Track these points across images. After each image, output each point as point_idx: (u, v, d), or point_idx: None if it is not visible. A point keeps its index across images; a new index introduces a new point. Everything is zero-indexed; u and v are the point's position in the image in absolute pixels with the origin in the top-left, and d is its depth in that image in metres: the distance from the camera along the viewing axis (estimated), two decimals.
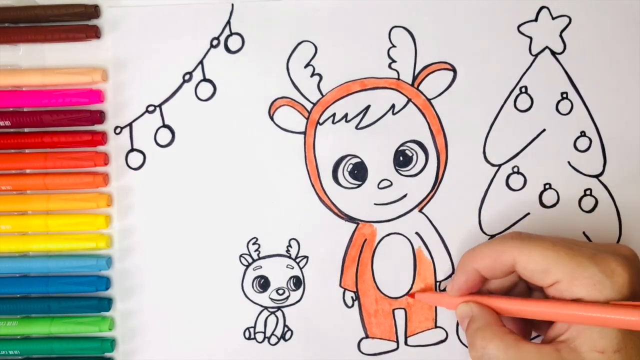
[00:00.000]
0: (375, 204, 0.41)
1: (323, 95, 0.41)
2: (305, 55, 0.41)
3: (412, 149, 0.41)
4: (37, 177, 0.41)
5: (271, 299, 0.42)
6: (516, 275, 0.37)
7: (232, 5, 0.41)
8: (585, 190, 0.41)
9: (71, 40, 0.41)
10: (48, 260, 0.42)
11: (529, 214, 0.41)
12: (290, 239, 0.42)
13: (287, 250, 0.42)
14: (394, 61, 0.41)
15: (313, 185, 0.41)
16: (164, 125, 0.41)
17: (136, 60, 0.41)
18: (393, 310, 0.42)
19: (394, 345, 0.42)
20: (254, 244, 0.42)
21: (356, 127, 0.41)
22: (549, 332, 0.36)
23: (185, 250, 0.42)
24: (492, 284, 0.38)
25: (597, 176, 0.41)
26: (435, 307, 0.42)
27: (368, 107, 0.41)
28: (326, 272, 0.42)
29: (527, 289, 0.39)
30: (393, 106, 0.41)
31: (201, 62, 0.41)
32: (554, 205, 0.41)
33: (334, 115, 0.41)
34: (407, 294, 0.41)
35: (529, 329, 0.39)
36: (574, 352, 0.33)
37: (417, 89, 0.41)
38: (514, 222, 0.41)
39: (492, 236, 0.41)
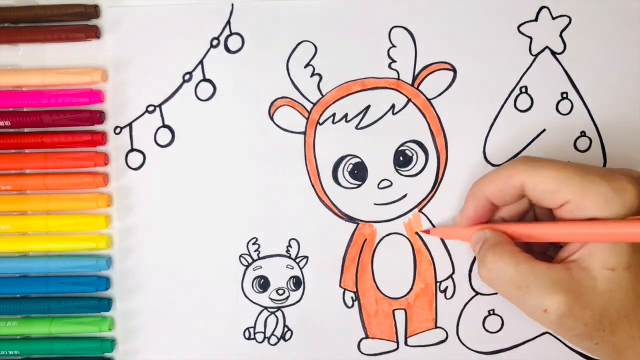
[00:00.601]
0: (375, 204, 0.41)
1: (323, 95, 0.41)
2: (305, 55, 0.41)
3: (412, 149, 0.41)
4: (37, 177, 0.41)
5: (271, 299, 0.42)
6: (526, 202, 0.36)
7: (232, 5, 0.41)
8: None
9: (71, 40, 0.41)
10: (48, 260, 0.42)
11: None
12: (290, 239, 0.42)
13: (287, 251, 0.42)
14: (394, 61, 0.41)
15: (313, 185, 0.41)
16: (164, 125, 0.41)
17: (136, 60, 0.41)
18: (393, 310, 0.42)
19: (394, 345, 0.42)
20: (254, 244, 0.42)
21: (356, 127, 0.41)
22: (560, 254, 0.35)
23: (185, 250, 0.42)
24: (502, 212, 0.38)
25: None
26: (436, 308, 0.42)
27: (368, 107, 0.41)
28: (326, 272, 0.42)
29: (535, 218, 0.38)
30: (393, 106, 0.41)
31: (201, 62, 0.41)
32: None
33: (334, 115, 0.41)
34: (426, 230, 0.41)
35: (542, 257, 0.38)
36: (585, 271, 0.33)
37: (417, 89, 0.41)
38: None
39: None
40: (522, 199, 0.36)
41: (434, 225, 0.41)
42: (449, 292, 0.42)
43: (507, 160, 0.41)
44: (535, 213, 0.39)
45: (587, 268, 0.33)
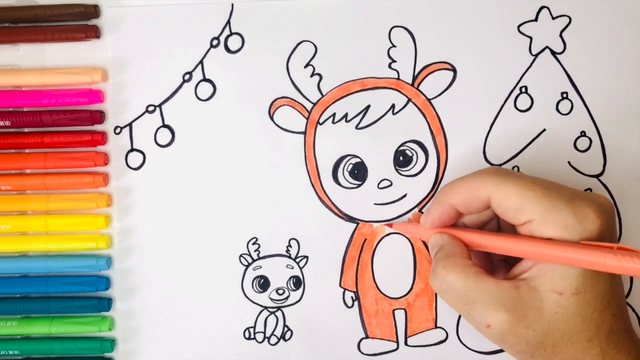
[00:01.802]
0: (375, 204, 0.41)
1: (323, 95, 0.41)
2: (305, 55, 0.41)
3: (412, 149, 0.41)
4: (37, 177, 0.41)
5: (271, 299, 0.42)
6: (490, 211, 0.36)
7: (232, 5, 0.41)
8: (585, 190, 0.41)
9: (71, 40, 0.41)
10: (48, 260, 0.42)
11: None
12: (290, 239, 0.42)
13: (287, 250, 0.42)
14: (394, 61, 0.41)
15: (313, 185, 0.41)
16: (164, 125, 0.41)
17: (136, 60, 0.41)
18: (393, 310, 0.42)
19: (394, 345, 0.42)
20: (254, 244, 0.42)
21: (356, 127, 0.41)
22: (513, 270, 0.35)
23: (185, 250, 0.42)
24: (466, 219, 0.38)
25: (597, 176, 0.41)
26: (436, 308, 0.42)
27: (368, 107, 0.41)
28: (326, 272, 0.42)
29: (497, 228, 0.39)
30: (393, 106, 0.41)
31: (201, 62, 0.41)
32: None
33: (334, 115, 0.41)
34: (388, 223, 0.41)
35: (498, 269, 0.39)
36: (533, 291, 0.33)
37: (417, 88, 0.41)
38: None
39: None
40: (487, 209, 0.36)
41: None
42: None
43: (507, 161, 0.41)
44: (498, 222, 0.38)
45: (536, 289, 0.33)
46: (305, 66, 0.41)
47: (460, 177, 0.36)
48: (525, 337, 0.33)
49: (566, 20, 0.41)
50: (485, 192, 0.35)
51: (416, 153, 0.41)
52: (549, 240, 0.33)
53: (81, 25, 0.41)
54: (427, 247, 0.41)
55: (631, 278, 0.41)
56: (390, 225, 0.41)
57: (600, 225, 0.32)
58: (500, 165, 0.41)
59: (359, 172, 0.41)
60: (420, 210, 0.41)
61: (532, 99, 0.41)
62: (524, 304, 0.33)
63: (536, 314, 0.33)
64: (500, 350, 0.42)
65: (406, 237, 0.41)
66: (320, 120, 0.41)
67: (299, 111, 0.41)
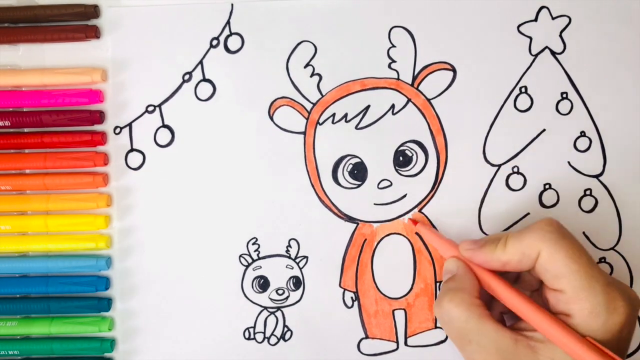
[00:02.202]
0: (375, 204, 0.41)
1: (323, 95, 0.41)
2: (305, 55, 0.41)
3: (412, 149, 0.41)
4: (36, 177, 0.41)
5: (271, 299, 0.42)
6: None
7: (232, 5, 0.41)
8: (585, 190, 0.41)
9: (71, 40, 0.41)
10: (48, 260, 0.42)
11: (529, 214, 0.41)
12: (290, 239, 0.42)
13: (287, 250, 0.42)
14: (393, 61, 0.41)
15: (313, 185, 0.41)
16: (164, 125, 0.41)
17: (136, 60, 0.41)
18: (393, 310, 0.42)
19: (394, 345, 0.42)
20: (253, 244, 0.42)
21: (356, 127, 0.41)
22: (520, 322, 0.36)
23: (185, 250, 0.42)
24: None
25: (597, 176, 0.41)
26: None
27: (368, 107, 0.41)
28: (326, 272, 0.42)
29: (518, 275, 0.38)
30: (393, 106, 0.41)
31: (201, 62, 0.41)
32: (554, 205, 0.41)
33: (333, 115, 0.41)
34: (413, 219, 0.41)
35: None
36: (531, 351, 0.33)
37: (417, 89, 0.41)
38: (514, 222, 0.41)
39: None
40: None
41: (434, 226, 0.41)
42: None
43: (507, 161, 0.41)
44: (521, 273, 0.38)
45: (535, 350, 0.33)
46: (305, 66, 0.41)
47: (514, 232, 0.36)
48: None
49: (566, 20, 0.41)
50: (535, 251, 0.34)
51: (416, 153, 0.41)
52: (561, 323, 0.33)
53: (81, 25, 0.41)
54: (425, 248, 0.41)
55: (631, 278, 0.41)
56: (415, 223, 0.41)
57: (624, 321, 0.33)
58: (500, 165, 0.41)
59: (359, 172, 0.41)
60: (420, 211, 0.41)
61: (532, 99, 0.41)
62: (517, 359, 0.33)
63: None
64: None
65: (406, 238, 0.41)
66: (320, 121, 0.41)
67: (298, 111, 0.41)
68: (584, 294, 0.33)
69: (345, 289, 0.42)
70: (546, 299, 0.35)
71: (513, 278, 0.38)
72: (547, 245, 0.34)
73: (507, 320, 0.38)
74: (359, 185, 0.41)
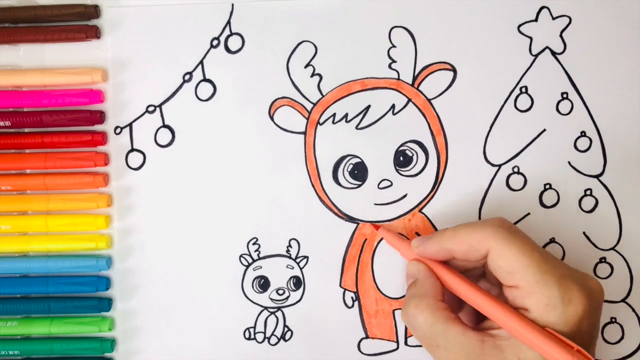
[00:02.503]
0: (375, 204, 0.41)
1: (323, 95, 0.41)
2: (305, 55, 0.41)
3: (412, 149, 0.41)
4: (37, 177, 0.41)
5: (271, 299, 0.42)
6: (483, 260, 0.36)
7: (232, 5, 0.41)
8: (585, 190, 0.41)
9: (71, 40, 0.41)
10: (48, 260, 0.42)
11: (529, 214, 0.41)
12: (290, 239, 0.42)
13: (287, 250, 0.42)
14: (394, 61, 0.41)
15: (313, 185, 0.41)
16: (164, 125, 0.41)
17: (136, 60, 0.41)
18: (393, 310, 0.42)
19: (394, 345, 0.42)
20: (254, 244, 0.42)
21: (356, 127, 0.41)
22: (485, 322, 0.36)
23: (185, 250, 0.42)
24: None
25: (597, 176, 0.41)
26: None
27: (368, 107, 0.41)
28: (326, 272, 0.42)
29: (482, 274, 0.39)
30: (393, 106, 0.41)
31: (201, 62, 0.41)
32: (554, 205, 0.41)
33: (334, 115, 0.41)
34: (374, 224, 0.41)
35: (469, 308, 0.39)
36: (497, 350, 0.34)
37: (417, 89, 0.41)
38: (514, 222, 0.41)
39: None
40: (483, 259, 0.36)
41: (435, 227, 0.41)
42: None
43: (507, 161, 0.41)
44: (484, 270, 0.38)
45: (501, 349, 0.34)
46: (306, 66, 0.41)
47: (465, 224, 0.36)
48: None
49: (566, 20, 0.41)
50: (485, 246, 0.35)
51: (416, 153, 0.41)
52: (521, 316, 0.33)
53: (81, 25, 0.41)
54: None
55: (631, 278, 0.41)
56: (377, 228, 0.41)
57: (582, 312, 0.33)
58: (500, 165, 0.41)
59: (359, 172, 0.41)
60: (420, 211, 0.41)
61: (532, 99, 0.41)
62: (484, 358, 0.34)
63: None
64: None
65: (406, 238, 0.41)
66: (321, 121, 0.41)
67: (299, 111, 0.41)
68: (538, 287, 0.33)
69: (345, 289, 0.42)
70: (505, 297, 0.35)
71: (477, 276, 0.39)
72: (497, 243, 0.34)
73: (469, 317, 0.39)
74: (359, 185, 0.41)
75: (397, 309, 0.42)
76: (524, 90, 0.41)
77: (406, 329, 0.42)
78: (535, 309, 0.33)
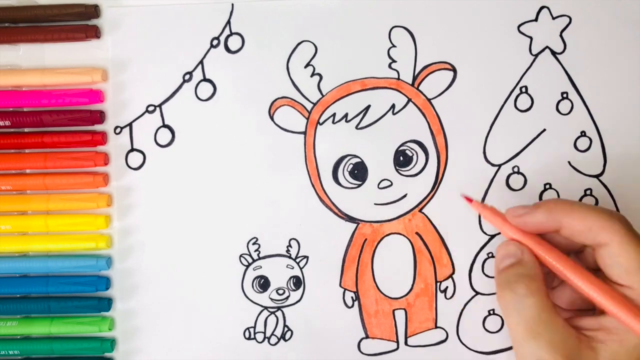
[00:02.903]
0: (375, 203, 0.41)
1: (323, 95, 0.41)
2: (305, 55, 0.41)
3: (412, 149, 0.41)
4: (37, 177, 0.41)
5: (271, 299, 0.42)
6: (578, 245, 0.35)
7: (232, 5, 0.41)
8: (585, 190, 0.41)
9: (71, 40, 0.41)
10: (48, 260, 0.42)
11: None
12: (290, 239, 0.42)
13: (287, 250, 0.42)
14: (394, 61, 0.41)
15: (313, 185, 0.41)
16: (164, 125, 0.41)
17: (136, 60, 0.41)
18: (393, 310, 0.42)
19: (394, 345, 0.42)
20: (254, 244, 0.42)
21: (356, 127, 0.41)
22: (579, 321, 0.35)
23: (185, 250, 0.42)
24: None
25: (597, 176, 0.41)
26: (436, 308, 0.42)
27: (368, 107, 0.41)
28: (326, 272, 0.42)
29: (576, 255, 0.37)
30: (393, 106, 0.41)
31: (201, 62, 0.41)
32: None
33: (334, 115, 0.41)
34: (466, 196, 0.39)
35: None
36: (592, 352, 0.33)
37: (417, 89, 0.41)
38: None
39: (492, 236, 0.41)
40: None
41: (435, 227, 0.41)
42: (449, 292, 0.42)
43: (507, 161, 0.41)
44: (582, 256, 0.37)
45: (596, 350, 0.33)
46: (305, 66, 0.41)
47: (582, 203, 0.35)
48: None
49: (566, 20, 0.41)
50: (606, 236, 0.33)
51: (416, 153, 0.41)
52: (625, 301, 0.32)
53: (81, 25, 0.41)
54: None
55: None
56: (470, 200, 0.39)
57: None
58: (500, 165, 0.41)
59: (359, 172, 0.41)
60: (420, 211, 0.41)
61: (532, 99, 0.41)
62: (579, 358, 0.33)
63: None
64: (500, 351, 0.42)
65: (406, 237, 0.41)
66: (321, 120, 0.41)
67: (299, 111, 0.41)
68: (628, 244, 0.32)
69: (345, 289, 0.42)
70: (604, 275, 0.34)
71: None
72: (623, 238, 0.33)
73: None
74: (359, 185, 0.41)
75: (396, 309, 0.42)
76: (524, 90, 0.41)
77: (406, 329, 0.42)
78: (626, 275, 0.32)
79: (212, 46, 0.41)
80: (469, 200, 0.39)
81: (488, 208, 0.38)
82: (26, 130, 0.42)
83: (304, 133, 0.41)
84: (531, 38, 0.41)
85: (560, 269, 0.34)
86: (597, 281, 0.34)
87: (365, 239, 0.42)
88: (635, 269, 0.32)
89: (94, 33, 0.40)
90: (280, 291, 0.42)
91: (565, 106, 0.41)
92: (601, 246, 0.34)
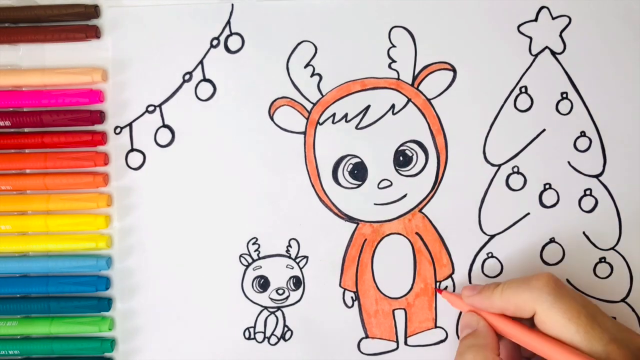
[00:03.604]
0: (375, 203, 0.41)
1: (323, 95, 0.41)
2: (305, 55, 0.41)
3: (412, 149, 0.41)
4: (37, 177, 0.41)
5: (271, 299, 0.42)
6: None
7: (232, 5, 0.41)
8: (585, 190, 0.41)
9: (71, 40, 0.41)
10: (48, 260, 0.42)
11: (529, 214, 0.41)
12: (290, 239, 0.42)
13: (287, 250, 0.42)
14: (394, 61, 0.41)
15: (313, 185, 0.41)
16: (164, 125, 0.41)
17: (136, 60, 0.41)
18: (393, 310, 0.42)
19: (394, 345, 0.42)
20: (254, 244, 0.42)
21: (356, 127, 0.41)
22: None
23: (185, 250, 0.42)
24: None
25: (597, 176, 0.41)
26: (435, 308, 0.42)
27: (368, 107, 0.41)
28: (326, 272, 0.42)
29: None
30: (393, 106, 0.41)
31: (201, 62, 0.41)
32: (554, 205, 0.41)
33: (334, 115, 0.41)
34: (438, 288, 0.42)
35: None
36: None
37: (417, 89, 0.41)
38: (514, 222, 0.41)
39: (492, 236, 0.41)
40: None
41: (435, 227, 0.41)
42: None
43: (507, 161, 0.41)
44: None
45: None
46: (305, 66, 0.41)
47: (512, 281, 0.37)
48: None
49: (566, 20, 0.41)
50: (531, 308, 0.35)
51: (416, 153, 0.41)
52: (578, 352, 0.33)
53: (81, 25, 0.41)
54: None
55: (631, 278, 0.41)
56: (440, 292, 0.41)
57: None
58: (500, 165, 0.41)
59: (359, 172, 0.41)
60: (420, 211, 0.41)
61: (532, 99, 0.41)
62: None
63: None
64: None
65: (406, 237, 0.41)
66: (320, 121, 0.41)
67: (299, 111, 0.41)
68: (584, 351, 0.33)
69: (345, 289, 0.42)
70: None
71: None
72: (542, 307, 0.35)
73: None
74: (359, 185, 0.41)
75: (396, 309, 0.42)
76: (523, 90, 0.41)
77: (406, 328, 0.42)
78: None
79: (212, 46, 0.41)
80: (439, 292, 0.41)
81: (452, 295, 0.41)
82: (26, 130, 0.42)
83: (304, 133, 0.41)
84: (531, 38, 0.41)
85: (513, 334, 0.36)
86: (541, 336, 0.35)
87: (365, 239, 0.42)
88: (561, 334, 0.34)
89: (94, 33, 0.41)
90: (280, 291, 0.42)
91: (565, 106, 0.41)
92: (534, 316, 0.35)
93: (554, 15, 0.41)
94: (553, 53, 0.41)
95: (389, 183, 0.41)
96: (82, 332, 0.42)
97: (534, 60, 0.41)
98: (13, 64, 0.41)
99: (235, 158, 0.41)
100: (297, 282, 0.42)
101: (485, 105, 0.41)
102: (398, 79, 0.41)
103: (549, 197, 0.41)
